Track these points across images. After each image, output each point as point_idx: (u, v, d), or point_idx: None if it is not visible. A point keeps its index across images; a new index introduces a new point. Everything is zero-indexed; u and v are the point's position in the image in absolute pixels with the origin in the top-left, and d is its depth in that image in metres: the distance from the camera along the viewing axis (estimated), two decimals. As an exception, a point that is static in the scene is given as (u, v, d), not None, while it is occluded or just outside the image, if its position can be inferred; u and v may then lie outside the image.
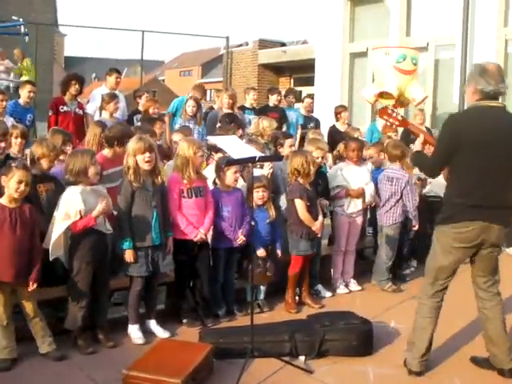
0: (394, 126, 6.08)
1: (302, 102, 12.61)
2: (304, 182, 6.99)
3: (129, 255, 5.88)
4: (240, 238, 6.57)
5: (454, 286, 5.49)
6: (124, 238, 5.89)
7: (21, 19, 19.12)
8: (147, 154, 5.94)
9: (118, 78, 10.66)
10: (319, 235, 7.13)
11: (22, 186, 5.29)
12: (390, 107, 5.84)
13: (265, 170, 7.19)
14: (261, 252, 6.70)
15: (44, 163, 5.98)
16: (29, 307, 5.45)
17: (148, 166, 5.99)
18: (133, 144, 5.99)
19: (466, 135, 4.96)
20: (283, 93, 12.63)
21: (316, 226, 6.97)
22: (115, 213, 5.91)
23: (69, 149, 6.71)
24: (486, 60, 5.31)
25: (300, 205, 6.94)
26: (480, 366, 5.47)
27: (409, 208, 7.97)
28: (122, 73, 13.35)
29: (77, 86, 9.80)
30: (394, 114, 5.61)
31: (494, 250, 5.21)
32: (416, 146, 5.50)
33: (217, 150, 7.26)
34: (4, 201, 5.32)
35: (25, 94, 9.42)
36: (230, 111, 10.16)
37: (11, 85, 15.58)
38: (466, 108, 5.26)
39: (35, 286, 5.35)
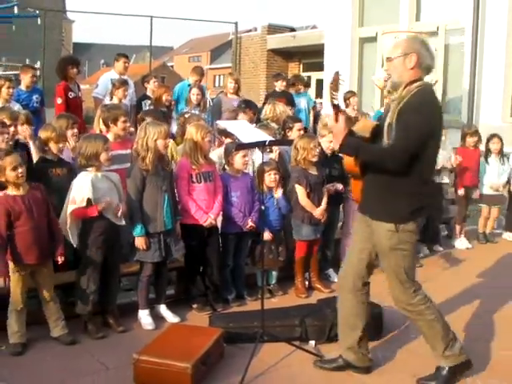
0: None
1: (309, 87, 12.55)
2: (306, 166, 6.95)
3: (140, 242, 5.88)
4: (249, 225, 6.58)
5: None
6: (135, 224, 5.89)
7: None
8: (168, 140, 5.99)
9: (126, 62, 10.63)
10: (322, 221, 7.08)
11: (20, 169, 5.28)
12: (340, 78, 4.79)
13: (272, 153, 7.17)
14: (267, 235, 6.68)
15: (52, 147, 6.01)
16: (46, 291, 5.50)
17: (165, 151, 6.03)
18: (154, 128, 5.98)
19: (439, 122, 4.62)
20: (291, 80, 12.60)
21: (317, 213, 6.93)
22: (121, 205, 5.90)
23: (75, 131, 6.75)
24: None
25: (300, 190, 6.91)
26: None
27: None
28: (131, 59, 13.35)
29: (74, 70, 9.79)
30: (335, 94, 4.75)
31: None
32: (340, 132, 4.61)
33: (226, 134, 7.25)
34: (12, 191, 5.31)
35: (26, 79, 9.40)
36: (235, 96, 10.14)
37: None
38: (415, 86, 4.50)
39: (62, 259, 5.44)
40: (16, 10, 18.07)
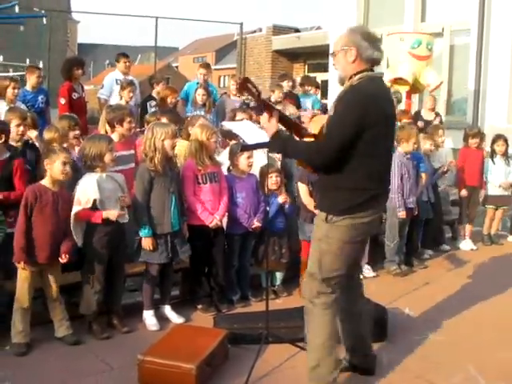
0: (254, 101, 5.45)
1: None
2: None
3: (148, 243, 5.88)
4: (255, 225, 6.58)
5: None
6: (142, 225, 5.89)
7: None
8: (175, 140, 5.99)
9: (127, 62, 10.65)
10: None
11: (68, 168, 5.41)
12: (250, 80, 4.74)
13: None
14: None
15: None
16: (52, 289, 5.51)
17: (172, 152, 6.03)
18: (161, 128, 5.98)
19: (375, 113, 4.22)
20: (298, 80, 12.58)
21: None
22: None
23: (77, 133, 6.75)
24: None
25: (302, 188, 6.89)
26: None
27: (404, 193, 7.96)
28: (136, 59, 13.38)
29: (80, 71, 9.83)
30: (254, 90, 4.58)
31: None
32: (271, 129, 4.50)
33: (230, 136, 7.25)
34: (46, 182, 5.41)
35: (32, 80, 9.42)
36: (238, 97, 10.14)
37: None
38: (357, 79, 4.32)
39: (67, 258, 5.43)
40: (17, 9, 18.05)
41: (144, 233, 5.89)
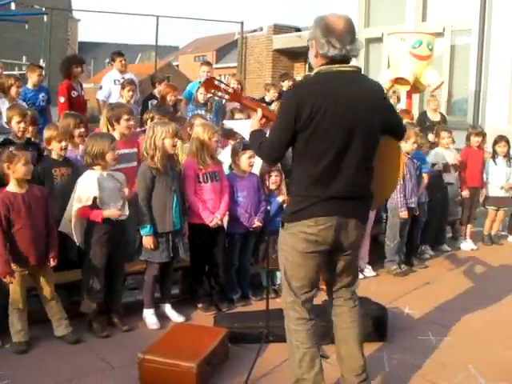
0: (224, 101, 5.34)
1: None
2: None
3: (148, 241, 5.88)
4: (256, 224, 6.57)
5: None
6: (144, 223, 5.89)
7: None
8: (175, 139, 5.98)
9: (122, 60, 10.69)
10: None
11: (30, 166, 5.34)
12: (216, 78, 4.85)
13: None
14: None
15: (54, 146, 6.02)
16: (46, 290, 5.49)
17: (172, 150, 6.02)
18: (162, 127, 5.98)
19: (316, 108, 3.86)
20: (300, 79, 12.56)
21: None
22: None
23: (82, 131, 6.74)
24: (335, 14, 4.11)
25: None
26: None
27: (406, 193, 7.96)
28: (136, 58, 13.40)
29: (79, 69, 9.88)
30: (223, 86, 4.65)
31: (353, 252, 4.27)
32: (253, 125, 4.41)
33: (230, 136, 7.25)
34: (13, 188, 5.32)
35: (33, 78, 9.44)
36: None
37: None
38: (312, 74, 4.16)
39: (55, 262, 5.41)
40: (13, 6, 18.04)
41: (145, 231, 5.88)
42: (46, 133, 6.09)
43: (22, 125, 6.37)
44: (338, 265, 4.26)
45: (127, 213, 5.79)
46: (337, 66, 3.99)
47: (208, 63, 11.15)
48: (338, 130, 3.91)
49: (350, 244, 4.14)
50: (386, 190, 4.63)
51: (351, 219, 4.05)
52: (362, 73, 4.31)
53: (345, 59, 4.00)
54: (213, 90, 4.63)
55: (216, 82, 4.64)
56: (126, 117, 6.53)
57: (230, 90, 4.65)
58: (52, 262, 5.40)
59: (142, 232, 5.89)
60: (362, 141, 3.95)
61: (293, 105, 3.94)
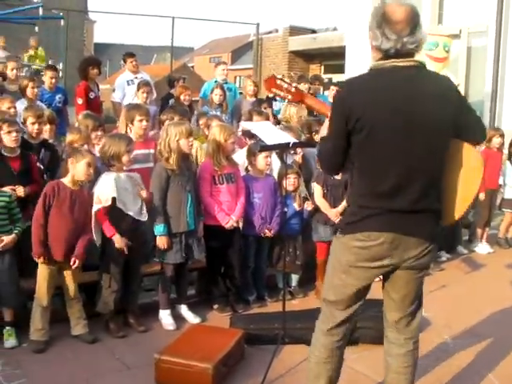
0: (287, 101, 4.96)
1: (329, 89, 12.52)
2: None
3: (162, 241, 5.89)
4: (267, 234, 6.58)
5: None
6: (158, 223, 5.90)
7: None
8: (191, 139, 5.99)
9: (133, 61, 10.70)
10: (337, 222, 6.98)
11: (91, 169, 5.46)
12: (278, 76, 4.35)
13: (297, 155, 7.16)
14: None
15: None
16: (71, 288, 5.55)
17: (189, 150, 6.03)
18: (175, 128, 5.99)
19: (368, 111, 3.42)
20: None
21: (331, 214, 6.74)
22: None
23: (99, 134, 6.75)
24: (397, 1, 3.61)
25: (316, 189, 6.84)
26: None
27: None
28: (152, 59, 13.46)
29: (95, 70, 9.93)
30: (286, 86, 4.24)
31: (416, 273, 3.69)
32: (322, 131, 3.96)
33: (250, 135, 7.24)
34: (66, 181, 5.45)
35: (47, 80, 9.54)
36: (254, 99, 10.15)
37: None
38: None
39: (77, 264, 5.45)
40: (41, 11, 18.28)
41: (159, 231, 5.90)
42: (69, 136, 6.15)
43: (37, 126, 6.41)
44: (398, 286, 3.76)
45: (145, 217, 5.81)
46: (392, 60, 3.48)
47: (224, 62, 11.18)
48: (393, 136, 3.43)
49: (411, 264, 3.60)
50: (460, 205, 3.70)
51: (410, 237, 3.52)
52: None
53: (403, 53, 3.46)
54: (274, 90, 4.24)
55: (278, 82, 4.22)
56: (138, 118, 6.54)
57: (292, 90, 4.24)
58: (73, 263, 5.43)
59: (156, 231, 5.91)
60: (426, 148, 3.44)
61: (341, 106, 3.52)
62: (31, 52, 16.58)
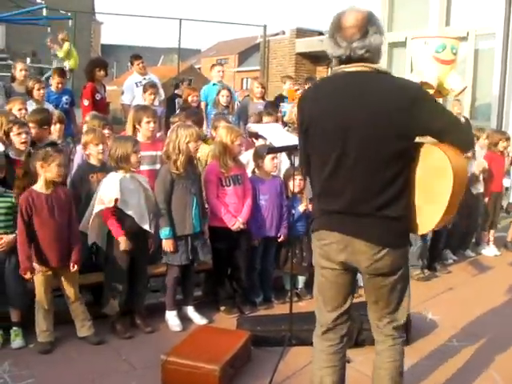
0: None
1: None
2: None
3: (168, 245, 5.90)
4: (281, 238, 6.63)
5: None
6: (163, 226, 5.90)
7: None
8: (199, 142, 6.00)
9: (140, 63, 10.71)
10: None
11: (62, 169, 5.40)
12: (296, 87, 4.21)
13: None
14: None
15: (92, 149, 6.06)
16: (70, 291, 5.53)
17: (196, 154, 6.05)
18: (185, 131, 5.99)
19: (308, 113, 3.57)
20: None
21: None
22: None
23: (107, 133, 6.76)
24: (354, 7, 3.62)
25: None
26: None
27: None
28: (159, 60, 13.47)
29: (102, 72, 9.95)
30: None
31: (382, 279, 3.61)
32: None
33: (258, 136, 7.24)
34: (39, 187, 5.38)
35: (54, 83, 9.58)
36: (261, 101, 10.14)
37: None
38: None
39: (76, 268, 5.44)
40: (44, 12, 18.33)
41: (164, 234, 5.91)
42: (84, 137, 6.15)
43: (45, 132, 6.43)
44: (368, 290, 3.77)
45: (147, 225, 5.81)
46: (342, 66, 3.51)
47: (220, 64, 11.21)
48: (330, 137, 3.48)
49: (369, 269, 3.55)
50: (430, 212, 3.53)
51: (356, 239, 3.48)
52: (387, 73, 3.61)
53: (355, 58, 3.45)
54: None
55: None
56: (146, 120, 6.54)
57: None
58: (72, 268, 5.43)
59: (162, 235, 5.91)
60: (362, 150, 3.39)
61: (299, 114, 3.72)
62: (66, 47, 16.33)
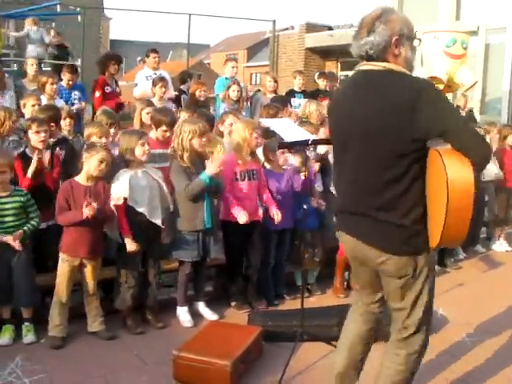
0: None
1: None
2: None
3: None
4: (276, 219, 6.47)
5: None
6: (201, 179, 5.80)
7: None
8: (204, 138, 5.97)
9: (157, 57, 10.65)
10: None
11: (103, 166, 5.44)
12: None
13: (322, 149, 7.07)
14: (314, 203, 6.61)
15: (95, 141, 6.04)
16: (90, 284, 5.57)
17: (202, 149, 6.00)
18: (189, 127, 5.96)
19: (330, 118, 3.76)
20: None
21: None
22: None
23: (113, 132, 6.75)
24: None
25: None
26: None
27: None
28: (167, 56, 13.45)
29: (116, 66, 9.90)
30: None
31: (392, 278, 3.52)
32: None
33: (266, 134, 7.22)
34: (80, 178, 5.47)
35: (65, 80, 9.56)
36: (273, 95, 10.12)
37: None
38: None
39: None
40: (58, 8, 18.41)
41: (205, 176, 5.80)
42: (87, 129, 6.16)
43: (53, 129, 6.44)
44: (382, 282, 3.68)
45: (159, 221, 5.81)
46: (359, 65, 3.52)
47: (234, 59, 11.15)
48: (336, 137, 3.60)
49: (378, 267, 3.54)
50: (434, 229, 3.31)
51: (360, 241, 3.52)
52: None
53: (366, 57, 3.44)
54: None
55: None
56: (164, 128, 6.48)
57: None
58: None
59: (202, 177, 5.80)
60: (359, 150, 3.40)
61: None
62: None
